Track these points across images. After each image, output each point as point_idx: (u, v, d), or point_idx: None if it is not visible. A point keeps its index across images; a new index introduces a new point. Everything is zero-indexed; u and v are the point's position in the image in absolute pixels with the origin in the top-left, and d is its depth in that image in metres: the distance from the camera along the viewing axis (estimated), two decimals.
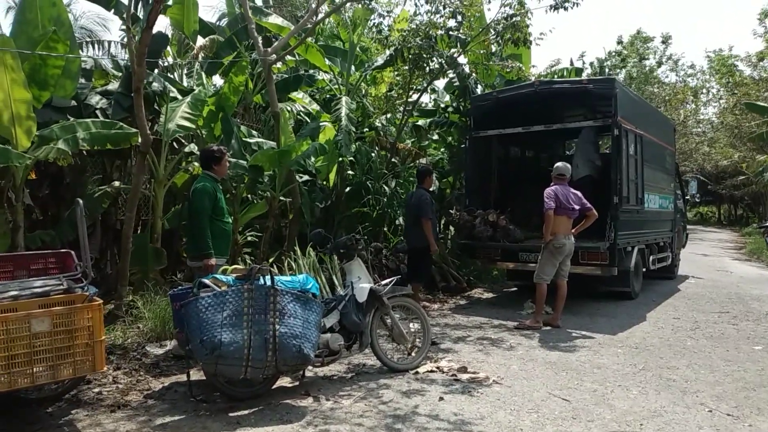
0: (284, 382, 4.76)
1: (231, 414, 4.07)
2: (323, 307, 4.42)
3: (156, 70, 10.36)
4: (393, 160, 12.04)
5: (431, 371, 5.10)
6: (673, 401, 4.47)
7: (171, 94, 8.49)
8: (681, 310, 8.25)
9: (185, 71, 10.91)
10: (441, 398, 4.42)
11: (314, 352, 4.21)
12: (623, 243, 7.99)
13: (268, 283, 4.22)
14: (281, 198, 8.58)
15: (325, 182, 10.42)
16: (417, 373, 5.05)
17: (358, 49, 11.27)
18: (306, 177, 10.45)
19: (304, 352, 4.09)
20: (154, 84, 8.35)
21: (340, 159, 9.71)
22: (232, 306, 4.00)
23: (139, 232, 8.18)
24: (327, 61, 10.50)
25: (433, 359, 5.46)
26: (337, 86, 10.84)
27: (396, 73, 11.29)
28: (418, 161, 13.25)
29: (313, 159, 9.91)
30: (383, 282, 5.18)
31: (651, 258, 9.56)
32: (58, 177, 8.10)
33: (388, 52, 10.17)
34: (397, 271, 8.62)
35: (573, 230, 7.03)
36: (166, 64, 11.27)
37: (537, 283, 7.05)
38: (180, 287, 4.79)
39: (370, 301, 4.99)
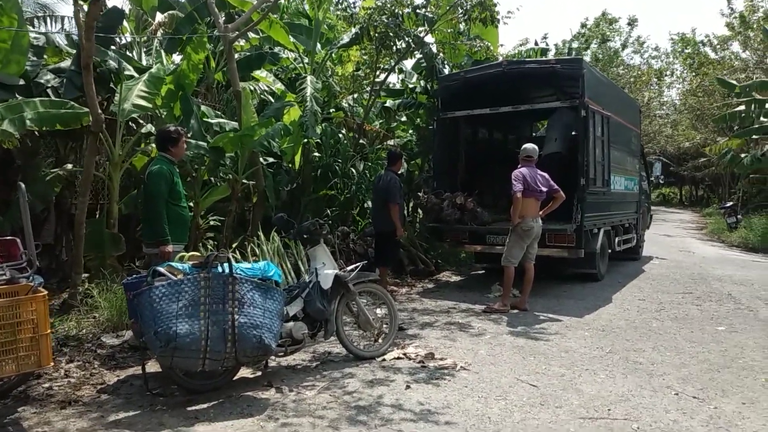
0: (246, 372, 4.60)
1: (189, 408, 3.89)
2: (285, 295, 4.26)
3: (112, 47, 9.93)
4: (361, 141, 11.85)
5: (398, 358, 5.00)
6: (640, 385, 4.45)
7: (127, 73, 8.12)
8: (646, 291, 8.32)
9: (144, 49, 10.48)
10: (408, 386, 4.31)
11: (276, 342, 4.05)
12: (590, 225, 7.99)
13: (227, 271, 4.05)
14: (244, 181, 8.32)
15: (290, 164, 10.18)
16: (383, 360, 4.93)
17: (324, 26, 10.98)
18: (271, 159, 10.21)
19: (264, 343, 3.92)
20: (110, 62, 7.99)
21: (306, 141, 9.47)
22: (188, 295, 3.80)
23: (96, 217, 7.86)
24: (291, 39, 10.20)
25: (400, 345, 5.35)
26: (302, 65, 10.54)
27: (363, 51, 11.05)
28: (386, 143, 13.09)
29: (277, 140, 9.66)
30: (349, 268, 5.03)
31: (617, 239, 9.62)
32: (7, 160, 7.71)
33: (353, 30, 9.91)
34: (364, 256, 8.49)
35: (541, 213, 6.98)
36: (123, 41, 10.82)
37: (505, 266, 7.00)
38: (135, 275, 4.56)
39: (335, 287, 4.84)
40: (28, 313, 3.40)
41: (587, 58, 29.63)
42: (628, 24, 32.09)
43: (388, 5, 9.50)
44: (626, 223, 10.27)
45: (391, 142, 13.32)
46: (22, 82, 7.25)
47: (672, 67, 31.20)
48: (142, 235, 5.40)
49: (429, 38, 10.98)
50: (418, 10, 9.95)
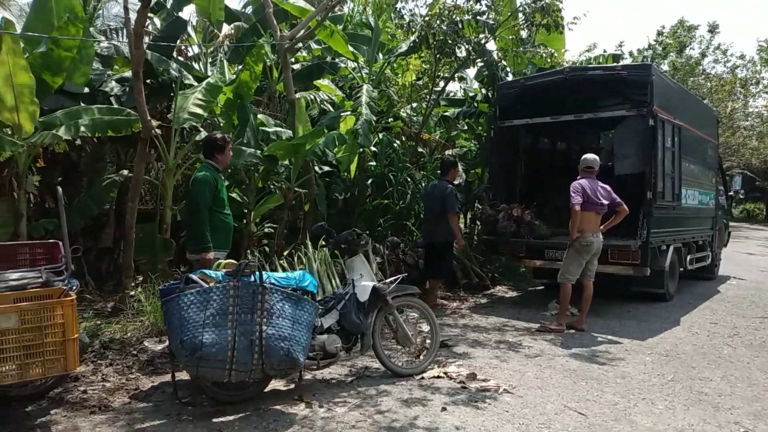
0: (279, 384, 4.49)
1: (215, 419, 3.80)
2: (317, 307, 4.10)
3: (175, 57, 10.20)
4: (420, 150, 11.67)
5: (438, 377, 4.75)
6: (703, 418, 4.02)
7: (187, 82, 8.32)
8: (719, 314, 7.67)
9: (209, 60, 10.75)
10: (444, 408, 4.06)
11: (305, 356, 3.90)
12: (657, 241, 7.45)
13: (258, 280, 3.95)
14: (296, 189, 8.30)
15: (346, 174, 10.11)
16: (422, 378, 4.70)
17: (387, 36, 10.89)
18: (327, 168, 10.19)
19: (292, 356, 3.78)
20: (171, 71, 8.19)
21: (361, 150, 9.38)
22: (216, 304, 3.71)
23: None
24: (351, 48, 10.16)
25: (442, 363, 5.10)
26: (359, 75, 10.48)
27: (422, 60, 10.88)
28: (445, 152, 12.85)
29: (333, 150, 9.63)
30: (388, 280, 4.83)
31: (688, 257, 8.96)
32: (73, 165, 8.02)
33: (412, 38, 9.76)
34: (415, 267, 8.27)
35: (602, 227, 6.55)
36: (191, 53, 11.14)
37: (561, 282, 6.61)
38: (171, 282, 4.54)
39: (373, 300, 4.65)
40: (56, 317, 3.40)
41: (665, 68, 28.33)
42: (709, 31, 30.39)
43: (447, 12, 9.29)
44: (700, 240, 9.57)
45: (450, 152, 13.08)
46: (86, 90, 7.55)
47: (759, 76, 29.27)
48: (186, 241, 5.42)
49: (491, 46, 10.72)
50: (478, 17, 9.69)
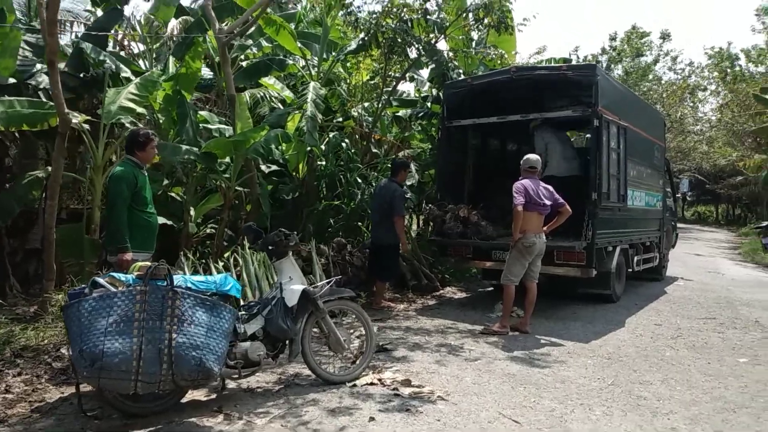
0: (200, 394, 4.20)
1: None
2: (235, 313, 3.83)
3: (116, 50, 9.76)
4: (375, 150, 11.48)
5: (371, 383, 4.53)
6: (639, 425, 3.91)
7: (124, 75, 7.94)
8: (664, 315, 7.67)
9: (154, 56, 10.35)
10: (371, 418, 3.84)
11: (220, 365, 3.63)
12: (603, 242, 7.41)
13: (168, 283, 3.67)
14: (237, 188, 8.00)
15: (295, 173, 9.84)
16: (354, 386, 4.47)
17: (338, 33, 10.66)
18: (274, 167, 9.89)
19: (205, 366, 3.50)
20: (106, 64, 7.80)
21: (310, 149, 9.12)
22: (120, 310, 3.41)
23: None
24: (299, 45, 9.90)
25: (378, 369, 4.88)
26: (308, 72, 10.22)
27: (373, 59, 10.69)
28: (399, 153, 12.70)
29: (281, 148, 9.34)
30: (320, 283, 4.60)
31: (635, 258, 8.98)
32: None
33: (360, 36, 9.56)
34: (362, 269, 8.06)
35: (545, 228, 6.46)
36: (136, 50, 10.70)
37: (504, 284, 6.48)
38: (81, 286, 4.20)
39: (303, 304, 4.41)
40: None
41: (617, 73, 28.86)
42: (661, 38, 31.15)
43: (395, 10, 9.12)
44: (647, 242, 9.61)
45: (402, 153, 12.92)
46: (12, 80, 7.10)
47: (706, 83, 30.10)
48: (104, 241, 5.08)
49: (442, 45, 10.60)
50: (428, 17, 9.54)
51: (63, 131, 5.13)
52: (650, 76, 29.74)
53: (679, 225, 13.75)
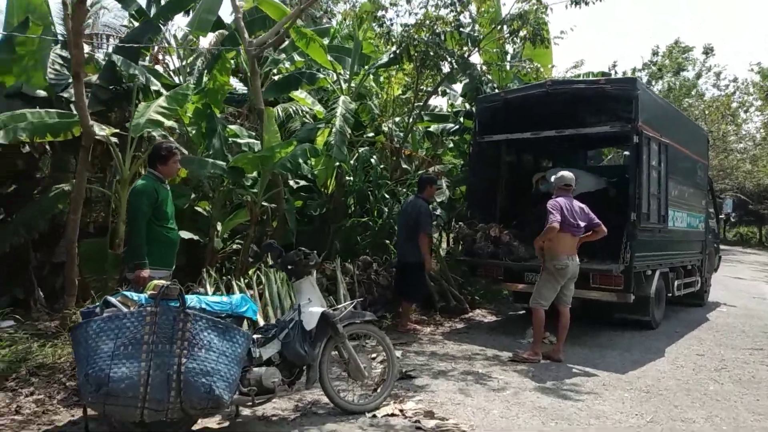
0: (212, 422, 4.02)
1: None
2: (249, 337, 3.65)
3: (150, 64, 9.81)
4: (405, 166, 11.30)
5: (392, 414, 4.29)
6: None
7: (154, 88, 7.95)
8: (707, 344, 7.23)
9: (188, 70, 10.43)
10: None
11: (231, 393, 3.44)
12: (641, 266, 7.03)
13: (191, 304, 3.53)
14: (264, 204, 7.88)
15: (323, 189, 9.70)
16: (374, 416, 4.23)
17: (371, 47, 10.54)
18: (303, 182, 9.79)
19: (215, 393, 3.32)
20: (138, 77, 7.82)
21: (338, 164, 8.99)
22: (129, 333, 3.26)
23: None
24: (329, 58, 9.82)
25: (399, 398, 4.64)
26: (339, 87, 10.10)
27: (404, 72, 10.53)
28: (429, 169, 12.49)
29: (311, 163, 9.23)
30: (340, 305, 4.39)
31: (676, 283, 8.53)
32: (27, 172, 7.57)
33: (392, 49, 9.40)
34: (388, 288, 7.83)
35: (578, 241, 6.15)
36: (172, 66, 10.79)
37: (533, 308, 6.18)
38: (94, 305, 4.08)
39: (322, 327, 4.21)
40: None
41: (658, 88, 28.14)
42: (704, 53, 30.30)
43: (428, 23, 8.95)
44: (688, 265, 9.15)
45: (433, 168, 12.71)
46: (44, 94, 7.15)
47: (751, 98, 29.10)
48: (124, 257, 4.98)
49: (476, 59, 10.39)
50: (461, 29, 9.35)
51: (87, 144, 5.08)
52: (692, 92, 28.92)
53: (720, 247, 13.14)
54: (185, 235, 7.76)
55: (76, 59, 4.83)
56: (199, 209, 8.42)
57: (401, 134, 11.47)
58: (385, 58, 9.67)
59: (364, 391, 4.60)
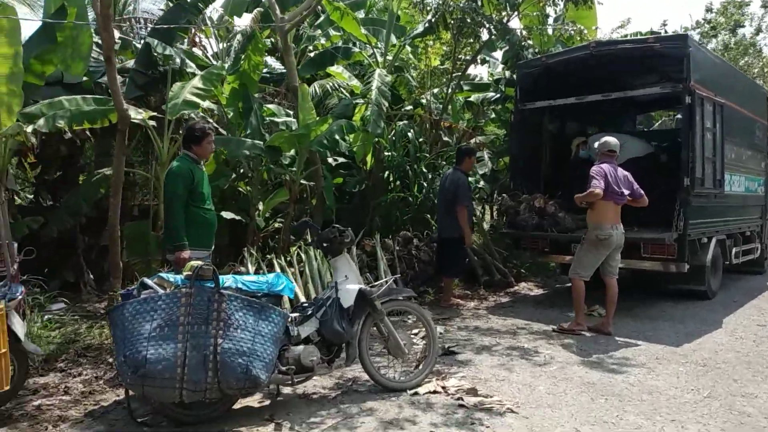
0: (254, 400, 4.01)
1: None
2: (285, 316, 3.60)
3: (187, 48, 9.82)
4: (446, 139, 11.08)
5: (434, 392, 4.19)
6: None
7: (189, 70, 7.95)
8: None
9: (225, 51, 10.45)
10: None
11: (268, 373, 3.41)
12: (696, 233, 6.69)
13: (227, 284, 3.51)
14: (302, 182, 7.84)
15: (362, 165, 9.59)
16: (416, 394, 4.15)
17: (407, 17, 10.29)
18: (342, 159, 9.70)
19: (252, 374, 3.29)
20: (173, 59, 7.83)
21: (376, 139, 8.84)
22: (164, 314, 3.26)
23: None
24: (364, 31, 9.62)
25: (442, 375, 4.54)
26: (374, 60, 9.91)
27: (441, 41, 10.22)
28: (472, 141, 12.23)
29: (348, 139, 9.13)
30: (377, 282, 4.30)
31: (734, 250, 8.11)
32: (72, 158, 7.73)
33: (428, 18, 9.13)
34: (430, 264, 7.71)
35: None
36: (210, 52, 10.82)
37: (571, 278, 5.99)
38: (132, 287, 4.10)
39: (360, 305, 4.13)
40: None
41: (712, 46, 26.73)
42: (762, 6, 28.48)
43: None
44: (747, 231, 8.68)
45: (475, 140, 12.43)
46: (85, 78, 7.25)
47: None
48: (163, 239, 5.01)
49: (516, 24, 10.01)
50: None
51: (122, 128, 5.10)
52: (750, 50, 27.31)
53: None
54: (227, 215, 7.87)
55: (106, 43, 4.82)
56: (240, 189, 8.45)
57: (440, 106, 11.24)
58: (420, 28, 9.40)
59: (406, 368, 4.53)
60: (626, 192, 5.72)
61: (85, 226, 7.44)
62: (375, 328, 4.25)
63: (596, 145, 6.12)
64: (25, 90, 5.96)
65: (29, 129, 5.21)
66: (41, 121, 5.40)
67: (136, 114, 6.25)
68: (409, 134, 9.24)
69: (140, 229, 6.54)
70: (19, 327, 3.58)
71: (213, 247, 4.99)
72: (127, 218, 7.77)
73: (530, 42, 10.15)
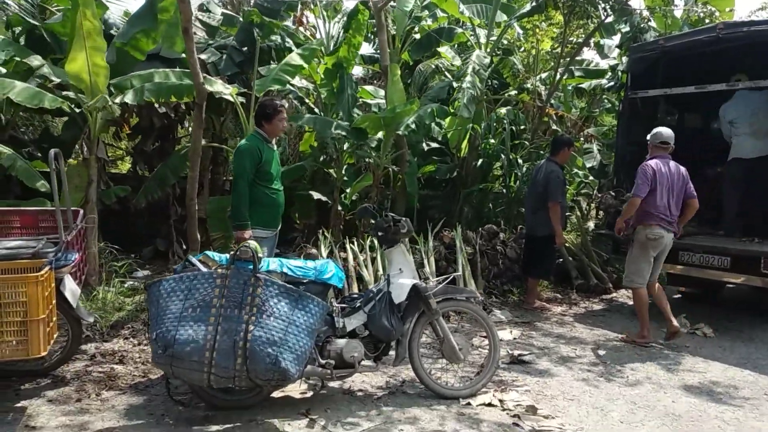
0: (294, 390, 3.83)
1: (195, 427, 3.26)
2: (325, 307, 3.34)
3: (294, 29, 9.83)
4: (555, 128, 10.39)
5: (489, 404, 3.80)
6: None
7: (288, 47, 7.98)
8: None
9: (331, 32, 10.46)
10: None
11: (300, 366, 3.18)
12: None
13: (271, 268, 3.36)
14: (386, 166, 7.59)
15: (456, 152, 9.18)
16: (469, 404, 3.78)
17: None
18: (434, 145, 9.37)
19: (281, 366, 3.08)
20: (273, 37, 7.86)
21: (471, 125, 8.40)
22: (198, 294, 3.14)
23: None
24: (465, 12, 9.15)
25: (503, 386, 4.12)
26: (476, 41, 9.40)
27: (551, 23, 9.50)
28: (584, 132, 11.40)
29: (444, 124, 8.78)
30: (434, 279, 3.96)
31: None
32: (169, 130, 7.99)
33: None
34: (517, 262, 7.20)
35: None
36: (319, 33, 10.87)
37: (630, 288, 5.55)
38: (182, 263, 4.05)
39: (414, 302, 3.83)
40: (18, 294, 3.03)
41: None
42: None
43: None
44: None
45: (589, 130, 11.56)
46: (183, 55, 7.43)
47: None
48: (230, 216, 4.96)
49: (637, 3, 9.10)
50: None
51: (200, 101, 5.10)
52: None
53: None
54: (315, 195, 7.83)
55: (184, 15, 4.81)
56: (331, 171, 8.38)
57: (547, 92, 10.55)
58: (528, 7, 8.76)
59: (467, 374, 4.17)
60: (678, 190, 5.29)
61: (180, 197, 7.67)
62: (431, 328, 3.93)
63: (649, 136, 5.52)
64: (124, 64, 6.18)
65: (117, 100, 5.34)
66: (129, 94, 5.53)
67: (224, 89, 6.30)
68: (504, 121, 8.67)
69: (222, 204, 6.60)
70: (71, 293, 3.64)
71: (279, 227, 4.88)
72: (217, 192, 7.96)
73: (653, 24, 9.18)
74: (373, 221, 4.06)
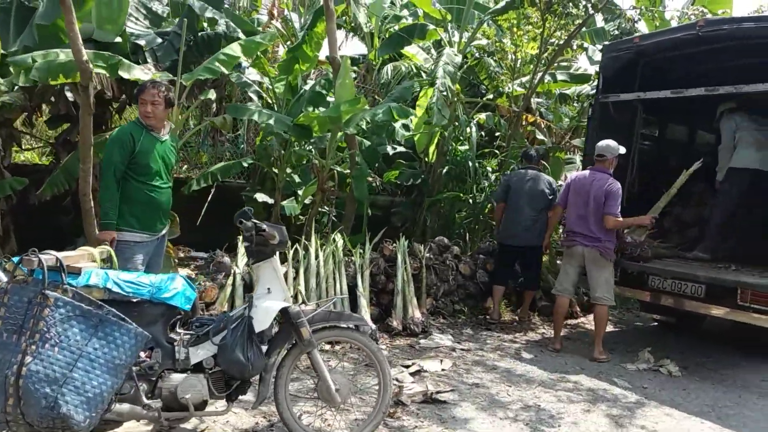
0: (144, 428, 3.12)
1: None
2: (143, 336, 2.62)
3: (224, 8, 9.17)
4: (541, 137, 9.73)
5: None
6: None
7: (235, 35, 7.35)
8: None
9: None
10: None
11: (90, 412, 2.45)
12: None
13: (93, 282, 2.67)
14: (332, 168, 6.90)
15: (424, 157, 8.47)
16: None
17: None
18: (400, 149, 8.68)
19: (61, 411, 2.36)
20: (219, 24, 7.29)
21: (439, 129, 7.69)
22: None
23: None
24: (438, 6, 8.49)
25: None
26: (449, 39, 8.70)
27: (530, 22, 8.74)
28: (572, 141, 10.66)
29: (410, 126, 8.09)
30: (309, 304, 3.24)
31: None
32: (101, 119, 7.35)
33: None
34: (471, 279, 6.47)
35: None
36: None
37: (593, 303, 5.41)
38: None
39: (285, 329, 3.11)
40: None
41: None
42: None
43: None
44: None
45: (576, 142, 10.81)
46: (119, 39, 6.81)
47: None
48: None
49: (625, 2, 8.37)
50: None
51: (84, 83, 4.41)
52: None
53: None
54: (260, 197, 7.21)
55: None
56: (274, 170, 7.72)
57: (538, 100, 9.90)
58: (503, 3, 8.03)
59: (361, 415, 3.44)
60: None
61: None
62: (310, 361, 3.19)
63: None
64: (48, 48, 5.53)
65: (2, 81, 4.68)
66: (21, 74, 4.88)
67: (143, 75, 5.66)
68: (473, 127, 7.98)
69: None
70: None
71: (162, 232, 4.18)
72: None
73: (641, 26, 8.42)
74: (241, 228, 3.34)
